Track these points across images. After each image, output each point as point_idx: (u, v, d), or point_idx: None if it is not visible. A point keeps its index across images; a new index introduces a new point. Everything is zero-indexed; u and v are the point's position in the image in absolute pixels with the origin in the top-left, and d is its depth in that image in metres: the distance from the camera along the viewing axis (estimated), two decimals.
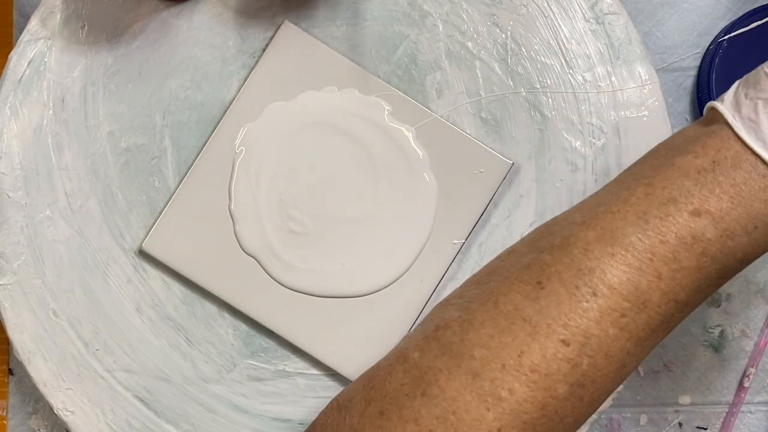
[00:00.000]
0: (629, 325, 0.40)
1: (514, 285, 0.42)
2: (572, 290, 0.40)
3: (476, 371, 0.40)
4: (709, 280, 0.42)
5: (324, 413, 0.44)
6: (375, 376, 0.44)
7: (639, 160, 0.45)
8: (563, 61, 0.55)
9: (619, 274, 0.40)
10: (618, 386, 0.43)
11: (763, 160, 0.40)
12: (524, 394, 0.40)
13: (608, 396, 0.43)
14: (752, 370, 0.58)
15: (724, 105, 0.42)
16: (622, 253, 0.40)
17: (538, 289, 0.41)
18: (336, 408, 0.44)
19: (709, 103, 0.43)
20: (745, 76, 0.43)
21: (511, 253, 0.46)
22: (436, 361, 0.41)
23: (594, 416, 0.53)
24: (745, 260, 0.42)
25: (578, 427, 0.43)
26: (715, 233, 0.40)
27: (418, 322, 0.54)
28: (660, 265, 0.40)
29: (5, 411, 0.58)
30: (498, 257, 0.46)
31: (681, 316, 0.42)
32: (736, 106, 0.41)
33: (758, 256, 0.42)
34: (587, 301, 0.40)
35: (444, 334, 0.42)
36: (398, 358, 0.43)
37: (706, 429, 0.59)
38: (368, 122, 0.54)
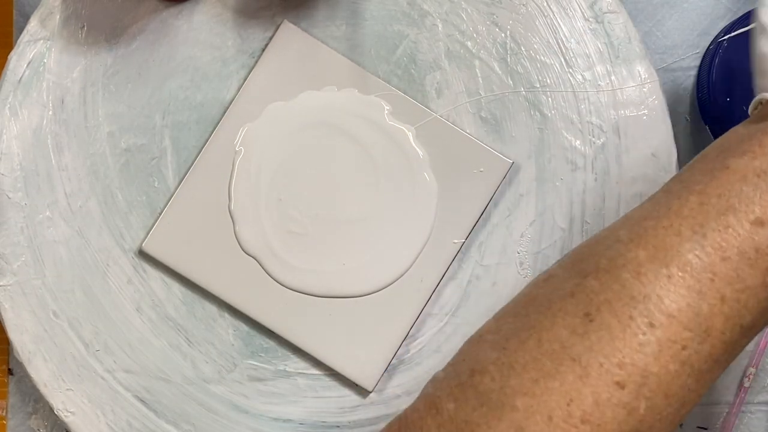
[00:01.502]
0: (691, 359, 0.35)
1: (558, 318, 0.37)
2: (626, 322, 0.35)
3: (519, 425, 0.35)
4: None
5: None
6: (405, 430, 0.38)
7: (686, 166, 0.40)
8: (563, 60, 0.55)
9: (678, 300, 0.35)
10: (676, 427, 0.38)
11: None
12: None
13: None
14: (752, 370, 0.58)
15: None
16: (680, 274, 0.36)
17: (587, 322, 0.36)
18: None
19: (758, 97, 0.40)
20: None
21: (550, 278, 0.40)
22: (473, 414, 0.36)
23: None
24: None
25: None
26: None
27: (418, 321, 0.54)
28: (722, 285, 0.36)
29: (5, 411, 0.58)
30: (535, 283, 0.40)
31: (745, 342, 0.37)
32: None
33: None
34: (644, 334, 0.35)
35: (481, 381, 0.37)
36: (430, 409, 0.38)
37: (706, 429, 0.58)
38: (368, 122, 0.54)
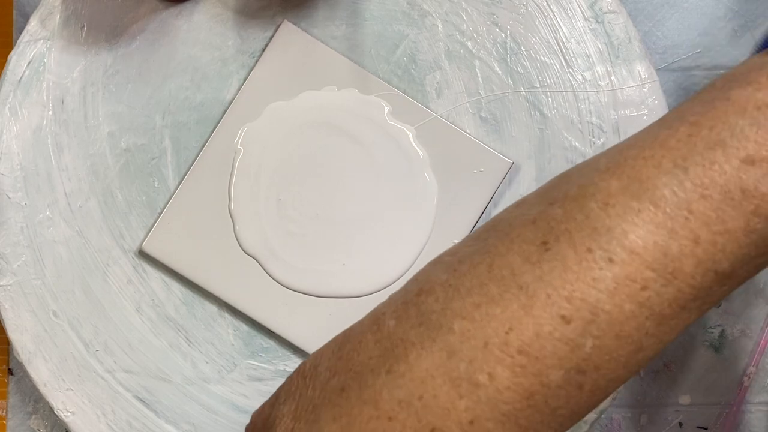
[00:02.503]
0: (651, 301, 0.33)
1: (514, 244, 0.34)
2: (583, 254, 0.33)
3: (453, 348, 0.33)
4: (762, 248, 0.33)
5: (291, 378, 0.38)
6: (346, 342, 0.37)
7: (692, 95, 0.36)
8: (563, 60, 0.55)
9: (645, 236, 0.33)
10: (635, 372, 0.35)
11: None
12: (507, 380, 0.33)
13: (620, 384, 0.35)
14: (752, 369, 0.58)
15: None
16: (651, 209, 0.33)
17: (542, 251, 0.34)
18: (302, 374, 0.37)
19: None
20: None
21: (520, 204, 0.37)
22: (410, 333, 0.34)
23: (594, 416, 0.53)
24: None
25: (577, 420, 0.35)
26: None
27: None
28: (698, 225, 0.33)
29: (5, 411, 0.58)
30: (506, 208, 0.38)
31: (722, 291, 0.34)
32: None
33: None
34: (600, 269, 0.33)
35: (425, 301, 0.35)
36: (372, 325, 0.36)
37: (706, 429, 0.58)
38: (368, 122, 0.54)
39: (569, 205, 0.34)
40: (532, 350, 0.33)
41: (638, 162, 0.34)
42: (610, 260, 0.33)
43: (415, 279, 0.37)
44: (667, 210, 0.33)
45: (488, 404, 0.33)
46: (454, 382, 0.33)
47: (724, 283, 0.34)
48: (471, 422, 0.33)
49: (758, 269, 0.34)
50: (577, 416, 0.34)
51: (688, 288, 0.33)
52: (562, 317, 0.33)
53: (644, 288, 0.33)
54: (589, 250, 0.33)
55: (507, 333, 0.33)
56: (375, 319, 0.36)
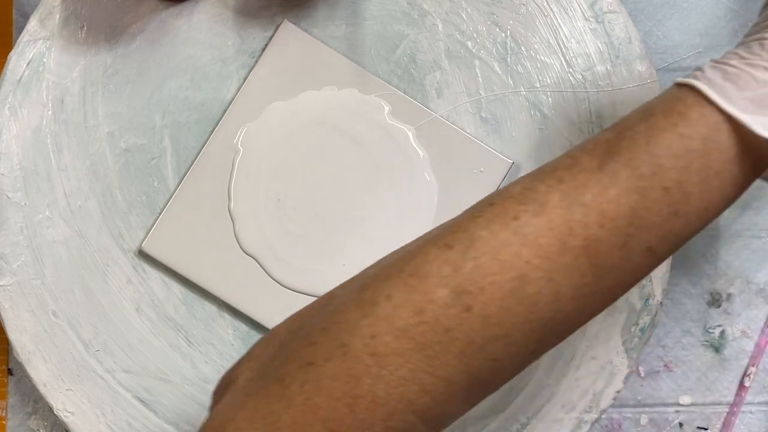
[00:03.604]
0: (523, 229, 0.37)
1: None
2: (471, 211, 0.39)
3: (364, 285, 0.38)
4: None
5: (254, 345, 0.42)
6: (300, 314, 0.41)
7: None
8: (563, 60, 0.55)
9: (517, 185, 0.39)
10: (532, 313, 0.37)
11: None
12: (400, 299, 0.37)
13: (513, 320, 0.37)
14: (753, 369, 0.58)
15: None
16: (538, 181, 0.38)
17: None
18: (264, 339, 0.41)
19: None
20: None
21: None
22: (345, 293, 0.39)
23: (594, 416, 0.53)
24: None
25: (480, 355, 0.37)
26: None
27: None
28: (563, 173, 0.38)
29: (5, 411, 0.58)
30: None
31: (604, 234, 0.37)
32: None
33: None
34: (480, 212, 0.38)
35: (360, 275, 0.41)
36: (321, 299, 0.41)
37: (706, 429, 0.58)
38: (368, 122, 0.54)
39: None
40: (420, 272, 0.37)
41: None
42: (491, 203, 0.38)
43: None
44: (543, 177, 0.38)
45: (385, 320, 0.36)
46: (360, 304, 0.37)
47: (603, 224, 0.37)
48: (372, 336, 0.36)
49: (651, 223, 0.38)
50: (478, 348, 0.37)
51: (559, 219, 0.37)
52: (446, 245, 0.37)
53: (516, 218, 0.37)
54: (476, 206, 0.39)
55: (407, 262, 0.38)
56: (326, 296, 0.41)
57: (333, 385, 0.36)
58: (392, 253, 0.40)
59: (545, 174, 0.38)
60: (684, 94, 0.37)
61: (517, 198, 0.38)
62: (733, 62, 0.37)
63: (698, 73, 0.38)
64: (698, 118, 0.37)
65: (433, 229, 0.39)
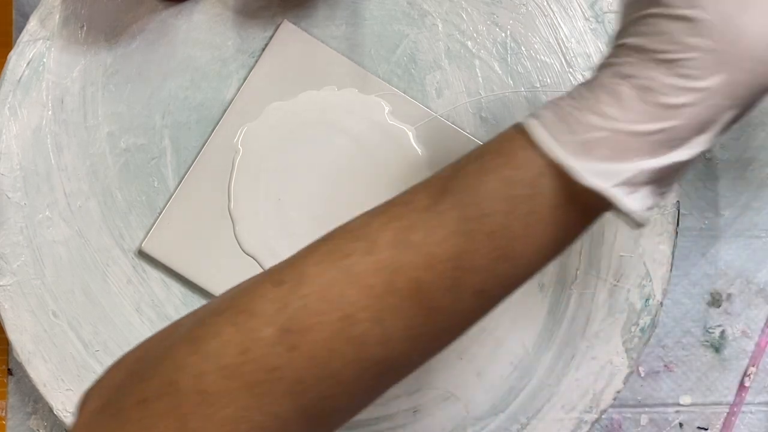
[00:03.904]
0: (353, 267, 0.36)
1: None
2: (311, 245, 0.39)
3: (200, 320, 0.38)
4: None
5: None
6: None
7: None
8: (563, 60, 0.55)
9: (357, 223, 0.38)
10: (362, 353, 0.36)
11: None
12: (228, 336, 0.36)
13: (341, 359, 0.36)
14: (753, 369, 0.58)
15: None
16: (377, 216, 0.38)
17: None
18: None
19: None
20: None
21: None
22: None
23: (594, 416, 0.53)
24: None
25: (311, 393, 0.36)
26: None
27: None
28: (399, 209, 0.37)
29: (5, 411, 0.58)
30: None
31: (432, 277, 0.37)
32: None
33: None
34: (316, 246, 0.38)
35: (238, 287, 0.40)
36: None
37: (707, 429, 0.58)
38: (368, 122, 0.54)
39: None
40: (249, 309, 0.36)
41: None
42: (325, 240, 0.38)
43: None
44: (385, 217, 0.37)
45: (213, 357, 0.36)
46: (191, 340, 0.36)
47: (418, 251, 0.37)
48: (200, 374, 0.35)
49: None
50: (312, 389, 0.36)
51: (388, 259, 0.36)
52: (279, 281, 0.37)
53: (347, 256, 0.36)
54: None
55: (240, 298, 0.37)
56: (173, 324, 0.41)
57: (163, 423, 0.35)
58: (237, 285, 0.39)
59: (383, 210, 0.37)
60: (517, 134, 0.36)
61: (352, 234, 0.37)
62: (565, 103, 0.35)
63: (537, 111, 0.36)
64: (524, 162, 0.35)
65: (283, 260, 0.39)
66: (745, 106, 0.34)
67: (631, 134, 0.34)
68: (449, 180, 0.37)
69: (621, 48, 0.35)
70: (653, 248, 0.54)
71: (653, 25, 0.34)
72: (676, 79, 0.33)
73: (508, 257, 0.36)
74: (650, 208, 0.36)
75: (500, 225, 0.35)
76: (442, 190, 0.37)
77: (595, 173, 0.34)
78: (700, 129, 0.34)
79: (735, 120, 0.35)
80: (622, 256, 0.54)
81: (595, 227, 0.54)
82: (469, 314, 0.37)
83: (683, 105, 0.33)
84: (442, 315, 0.37)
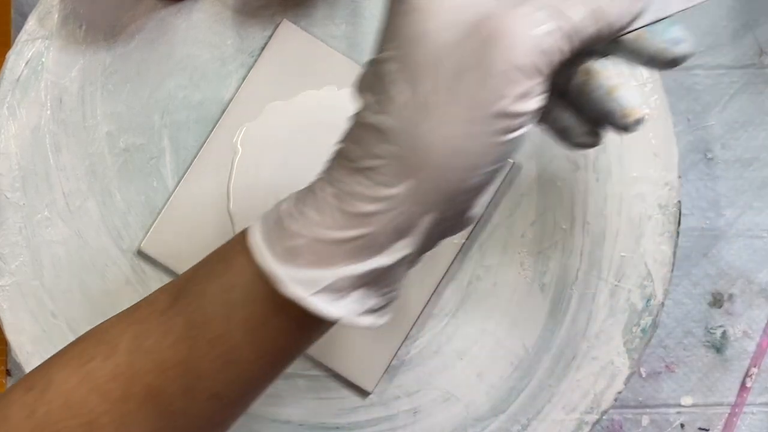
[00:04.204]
0: (94, 373, 0.36)
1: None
2: (61, 352, 0.39)
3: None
4: None
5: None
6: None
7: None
8: None
9: (105, 325, 0.39)
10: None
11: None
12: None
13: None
14: (755, 370, 0.58)
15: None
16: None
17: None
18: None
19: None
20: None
21: None
22: None
23: (595, 416, 0.53)
24: None
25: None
26: None
27: (418, 322, 0.54)
28: (142, 312, 0.38)
29: None
30: None
31: (164, 382, 0.37)
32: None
33: None
34: (63, 352, 0.38)
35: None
36: None
37: (708, 430, 0.58)
38: None
39: None
40: (2, 415, 0.37)
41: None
42: (73, 343, 0.38)
43: None
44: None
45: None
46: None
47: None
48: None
49: None
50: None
51: (125, 365, 0.37)
52: (29, 387, 0.37)
53: (90, 360, 0.37)
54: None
55: (4, 407, 0.37)
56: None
57: None
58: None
59: (132, 310, 0.38)
60: (239, 239, 0.36)
61: (96, 337, 0.37)
62: (284, 206, 0.35)
63: (265, 214, 0.36)
64: (240, 268, 0.35)
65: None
66: (444, 210, 0.34)
67: (330, 242, 0.33)
68: (186, 282, 0.37)
69: (337, 152, 0.35)
70: (654, 248, 0.54)
71: (352, 131, 0.34)
72: (367, 187, 0.33)
73: (233, 362, 0.36)
74: (374, 311, 0.36)
75: (221, 330, 0.35)
76: (177, 294, 0.36)
77: (298, 281, 0.34)
78: (397, 235, 0.33)
79: (448, 221, 0.34)
80: (623, 256, 0.54)
81: (596, 228, 0.54)
82: (212, 416, 0.37)
83: (375, 213, 0.33)
84: (183, 418, 0.37)
